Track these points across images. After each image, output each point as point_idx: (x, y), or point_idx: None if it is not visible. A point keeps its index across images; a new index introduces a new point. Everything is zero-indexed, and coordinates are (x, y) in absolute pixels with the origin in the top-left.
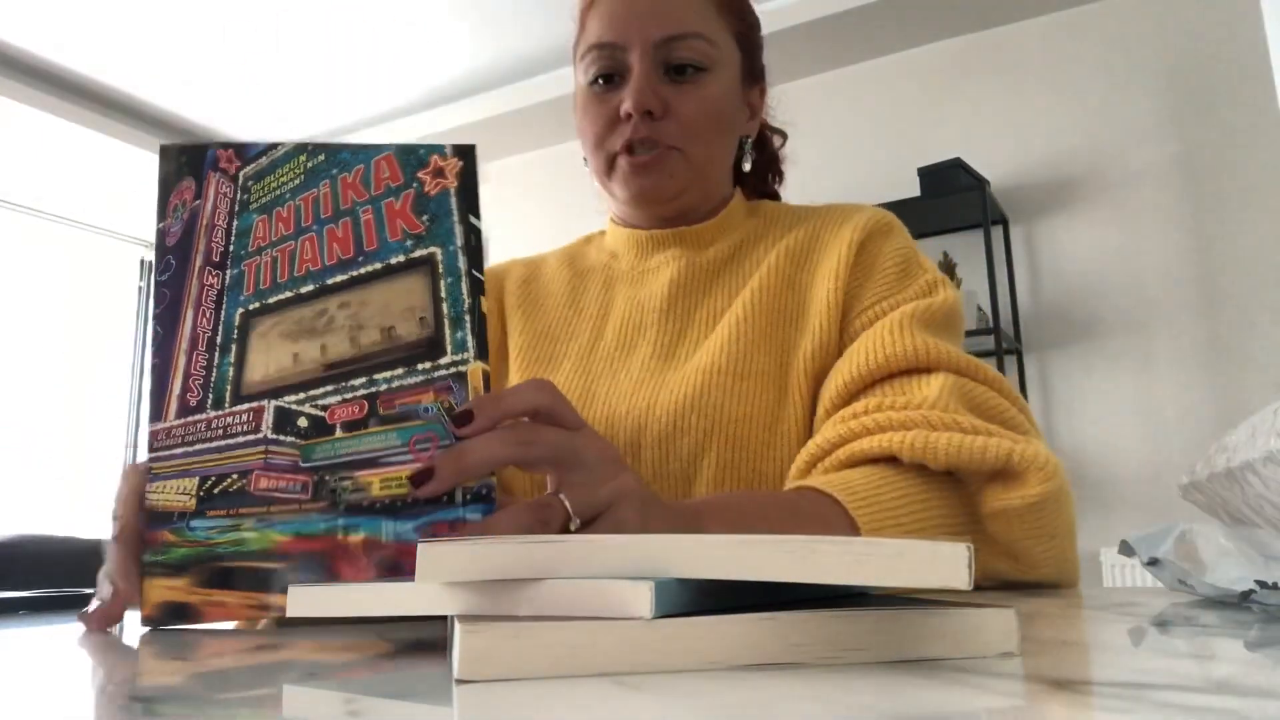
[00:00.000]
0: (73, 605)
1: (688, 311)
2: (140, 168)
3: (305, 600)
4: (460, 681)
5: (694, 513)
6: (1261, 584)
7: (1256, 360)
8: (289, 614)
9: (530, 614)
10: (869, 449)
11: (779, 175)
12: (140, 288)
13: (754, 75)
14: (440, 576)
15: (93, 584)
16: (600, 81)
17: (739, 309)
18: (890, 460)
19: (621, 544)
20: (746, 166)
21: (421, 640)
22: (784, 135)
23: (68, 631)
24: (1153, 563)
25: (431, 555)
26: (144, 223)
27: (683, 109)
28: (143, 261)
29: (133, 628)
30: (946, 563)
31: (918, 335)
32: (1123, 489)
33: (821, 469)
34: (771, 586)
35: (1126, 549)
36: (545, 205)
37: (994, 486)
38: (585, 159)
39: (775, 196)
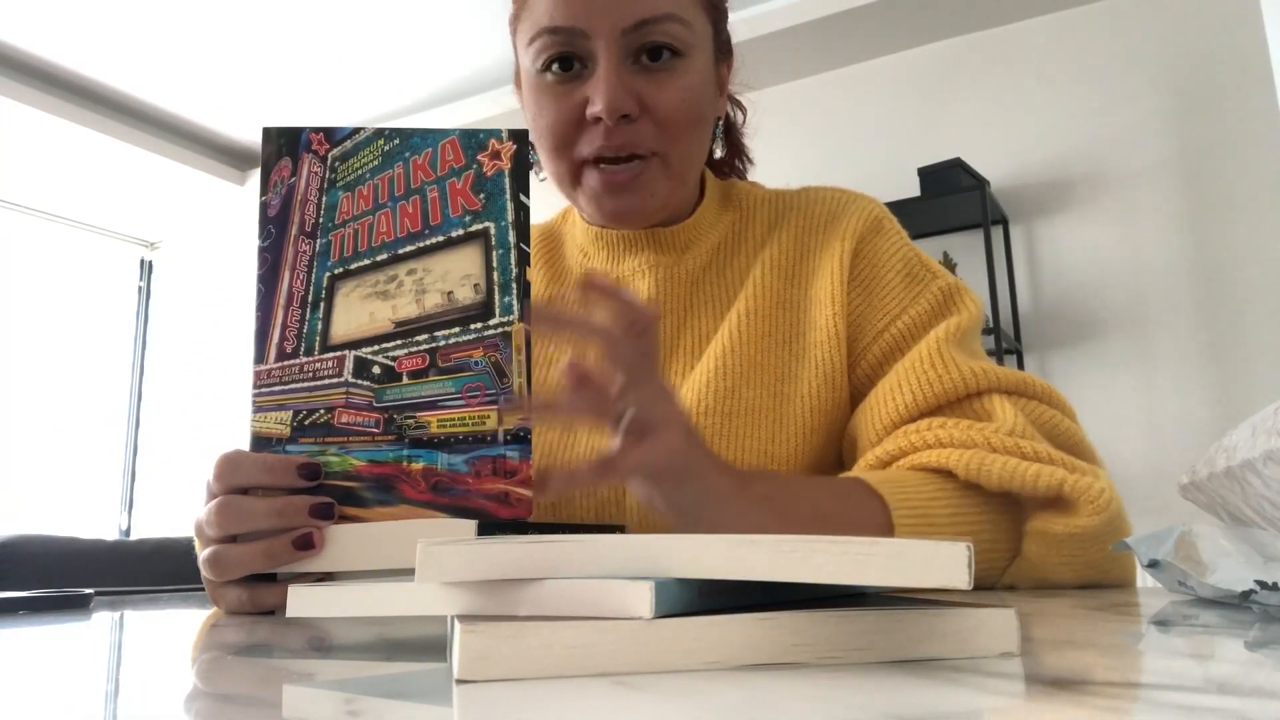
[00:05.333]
0: (73, 605)
1: (670, 337)
2: (140, 168)
3: (305, 600)
4: (460, 681)
5: (740, 472)
6: (1261, 584)
7: (1256, 360)
8: (289, 614)
9: (530, 614)
10: (928, 461)
11: (744, 158)
12: (140, 288)
13: (723, 48)
14: (440, 576)
15: (91, 583)
16: (556, 67)
17: (725, 336)
18: (949, 474)
19: (621, 544)
20: (719, 153)
21: (421, 640)
22: (744, 110)
23: (68, 631)
24: (1153, 564)
25: (431, 555)
26: (144, 223)
27: (660, 106)
28: (143, 261)
29: (135, 623)
30: (946, 563)
31: (961, 364)
32: (1123, 489)
33: None
34: (771, 586)
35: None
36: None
37: (1045, 511)
38: (536, 161)
39: (743, 179)
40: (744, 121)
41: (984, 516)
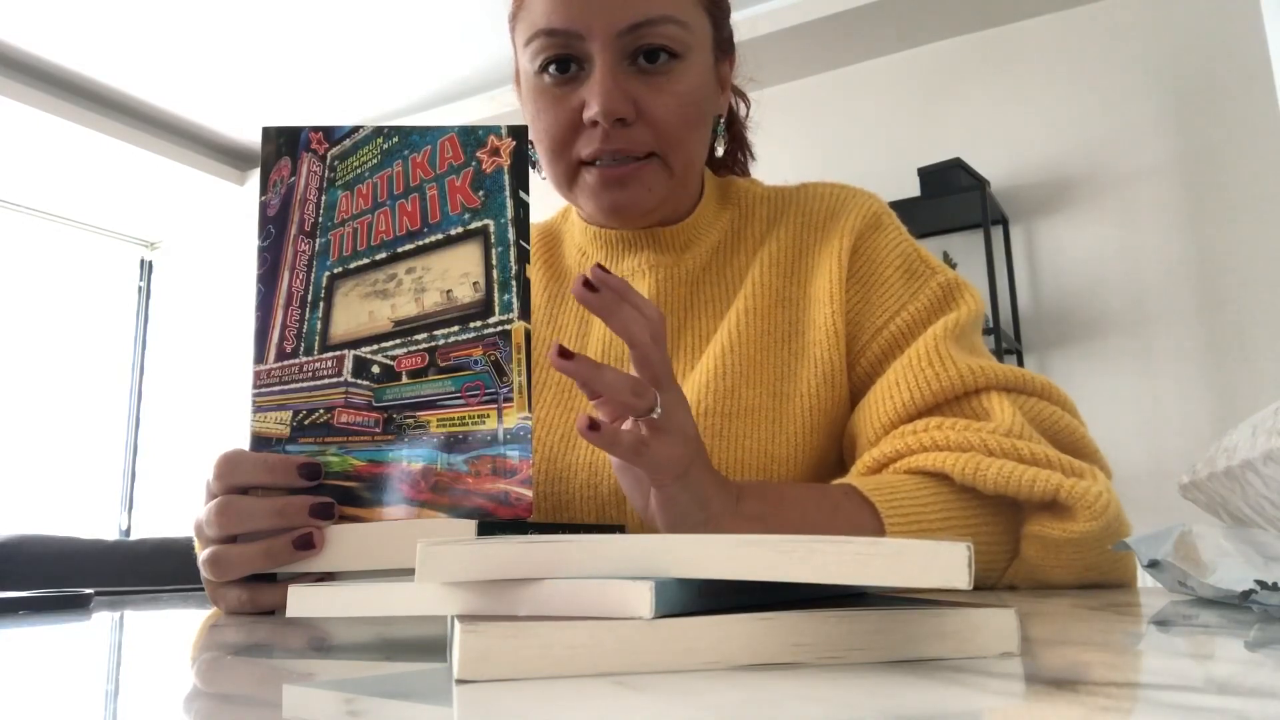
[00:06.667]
0: (73, 605)
1: (671, 337)
2: (140, 168)
3: (305, 600)
4: (460, 681)
5: (738, 486)
6: (1261, 584)
7: (1256, 360)
8: (289, 614)
9: (530, 614)
10: (924, 464)
11: (747, 152)
12: (140, 288)
13: (724, 46)
14: (440, 576)
15: (91, 583)
16: (553, 69)
17: (724, 336)
18: (945, 478)
19: (621, 544)
20: (720, 151)
21: (421, 640)
22: (748, 102)
23: (68, 631)
24: (1153, 564)
25: (431, 555)
26: (144, 223)
27: (657, 110)
28: (143, 261)
29: (137, 623)
30: (946, 563)
31: (958, 361)
32: (1123, 489)
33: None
34: (771, 586)
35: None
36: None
37: (1042, 514)
38: (535, 161)
39: (745, 173)
40: (747, 114)
41: (980, 521)
